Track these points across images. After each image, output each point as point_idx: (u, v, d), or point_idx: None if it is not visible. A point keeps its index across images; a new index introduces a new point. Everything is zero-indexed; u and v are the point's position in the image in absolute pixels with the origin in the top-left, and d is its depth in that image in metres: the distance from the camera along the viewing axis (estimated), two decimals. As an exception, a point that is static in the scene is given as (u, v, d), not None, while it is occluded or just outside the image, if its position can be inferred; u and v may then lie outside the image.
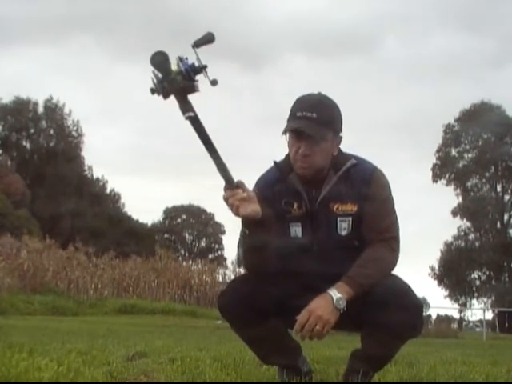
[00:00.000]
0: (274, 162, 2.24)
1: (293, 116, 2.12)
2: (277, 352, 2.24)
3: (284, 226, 2.17)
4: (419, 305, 2.10)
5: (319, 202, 2.13)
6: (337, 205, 2.12)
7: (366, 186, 2.14)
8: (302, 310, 2.04)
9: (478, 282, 38.98)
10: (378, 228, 2.11)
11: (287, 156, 2.23)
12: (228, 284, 2.32)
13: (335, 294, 2.01)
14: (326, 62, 63.70)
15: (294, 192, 2.17)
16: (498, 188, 39.33)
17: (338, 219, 2.13)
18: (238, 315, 2.16)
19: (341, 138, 2.20)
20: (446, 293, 39.19)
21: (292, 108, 2.15)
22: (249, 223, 1.97)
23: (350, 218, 2.12)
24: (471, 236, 39.30)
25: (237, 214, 1.92)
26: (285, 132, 2.13)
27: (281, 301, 2.12)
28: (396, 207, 2.20)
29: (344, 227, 2.13)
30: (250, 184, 2.25)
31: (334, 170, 2.16)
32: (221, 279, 22.34)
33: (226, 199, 1.92)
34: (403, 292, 2.06)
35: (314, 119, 2.07)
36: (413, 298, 2.07)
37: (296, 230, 2.17)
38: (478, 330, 31.01)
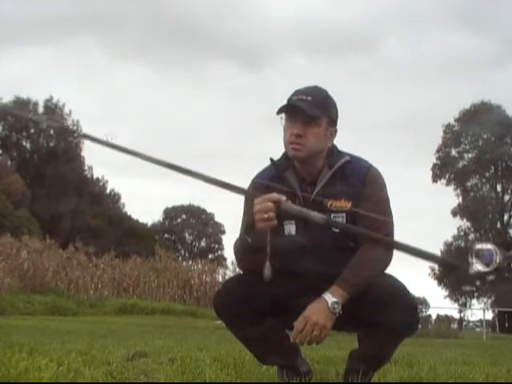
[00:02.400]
0: (271, 160, 2.24)
1: (287, 101, 2.16)
2: (274, 352, 2.24)
3: (278, 225, 2.16)
4: (414, 304, 2.11)
5: (313, 198, 2.13)
6: (331, 201, 2.12)
7: (360, 184, 2.14)
8: (298, 308, 2.04)
9: (478, 282, 38.96)
10: (371, 226, 2.09)
11: (284, 154, 2.24)
12: (223, 284, 2.32)
13: (330, 298, 2.01)
14: (326, 62, 63.71)
15: (289, 190, 2.16)
16: (498, 188, 39.32)
17: (332, 216, 2.12)
18: (234, 315, 2.16)
19: (336, 130, 2.21)
20: (446, 293, 39.24)
21: (288, 98, 2.18)
22: (255, 233, 1.97)
23: (344, 215, 2.12)
24: (471, 236, 39.28)
25: (260, 226, 1.92)
26: (279, 111, 2.15)
27: (277, 300, 2.12)
28: (395, 207, 2.20)
29: None
30: (247, 183, 2.26)
31: (328, 167, 2.17)
32: (221, 279, 22.33)
33: (258, 210, 1.92)
34: (399, 291, 2.07)
35: (309, 101, 2.11)
36: (407, 296, 2.08)
37: (290, 228, 2.16)
38: (477, 330, 31.03)
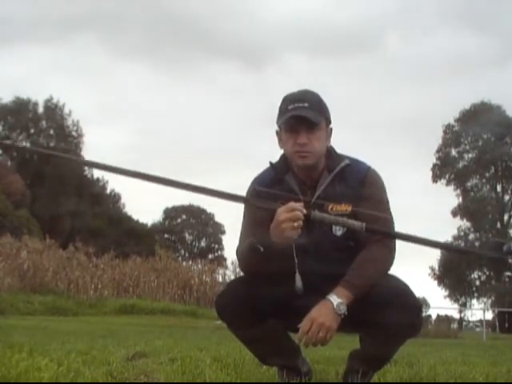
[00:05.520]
0: (270, 163, 2.24)
1: (284, 111, 2.15)
2: (276, 353, 2.25)
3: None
4: (418, 304, 2.10)
5: (314, 202, 2.13)
6: (331, 205, 2.12)
7: (360, 186, 2.15)
8: (300, 310, 2.04)
9: (477, 282, 38.99)
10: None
11: (282, 156, 2.24)
12: (226, 285, 2.32)
13: (335, 299, 2.01)
14: (327, 62, 63.77)
15: (289, 193, 2.16)
16: (498, 188, 39.35)
17: None
18: (236, 316, 2.15)
19: (331, 129, 2.23)
20: (446, 293, 39.27)
21: (280, 106, 2.18)
22: (271, 244, 1.97)
23: (345, 219, 2.12)
24: (471, 236, 39.29)
25: (288, 234, 1.93)
26: (282, 123, 2.15)
27: (279, 301, 2.12)
28: (395, 207, 2.20)
29: (339, 228, 2.13)
30: (248, 184, 2.26)
31: (328, 171, 2.18)
32: (221, 279, 22.36)
33: (287, 219, 1.93)
34: (402, 292, 2.06)
35: (307, 107, 2.12)
36: (412, 297, 2.07)
37: None
38: (477, 330, 31.03)
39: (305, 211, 1.93)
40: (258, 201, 2.10)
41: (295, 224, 1.92)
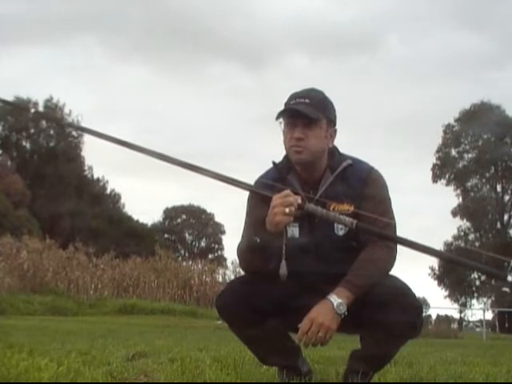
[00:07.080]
0: (273, 163, 2.25)
1: (286, 105, 2.16)
2: (276, 353, 2.24)
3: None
4: (419, 305, 2.10)
5: (316, 202, 2.12)
6: (333, 205, 2.12)
7: (362, 186, 2.15)
8: (301, 310, 2.04)
9: (477, 282, 38.99)
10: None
11: (285, 157, 2.24)
12: (226, 285, 2.32)
13: (335, 299, 2.01)
14: (327, 62, 63.71)
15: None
16: (498, 188, 39.35)
17: None
18: (236, 316, 2.16)
19: (335, 130, 2.22)
20: (446, 293, 39.29)
21: (285, 103, 2.19)
22: (267, 230, 1.97)
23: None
24: (471, 236, 39.31)
25: (279, 220, 1.92)
26: (279, 116, 2.15)
27: (279, 301, 2.12)
28: (395, 207, 2.20)
29: (341, 227, 2.13)
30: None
31: (330, 170, 2.18)
32: (221, 279, 22.36)
33: (279, 204, 1.93)
34: (403, 292, 2.06)
35: (307, 103, 2.12)
36: (412, 298, 2.07)
37: (293, 231, 2.16)
38: (477, 330, 31.05)
39: (299, 201, 1.92)
40: (260, 189, 2.10)
41: (287, 210, 1.91)
